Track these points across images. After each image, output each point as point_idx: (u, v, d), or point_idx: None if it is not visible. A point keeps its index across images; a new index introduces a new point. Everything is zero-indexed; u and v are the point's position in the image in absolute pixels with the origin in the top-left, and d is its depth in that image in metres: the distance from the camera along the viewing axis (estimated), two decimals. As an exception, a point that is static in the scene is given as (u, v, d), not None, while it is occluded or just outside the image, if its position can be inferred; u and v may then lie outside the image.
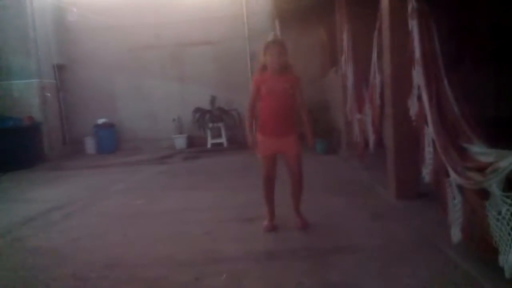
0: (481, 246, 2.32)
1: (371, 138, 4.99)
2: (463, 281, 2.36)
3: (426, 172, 3.08)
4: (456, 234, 2.55)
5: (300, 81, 3.40)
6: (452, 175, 2.57)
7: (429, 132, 2.99)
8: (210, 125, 9.75)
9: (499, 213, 2.06)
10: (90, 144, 10.05)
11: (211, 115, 9.80)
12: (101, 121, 9.95)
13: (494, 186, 2.08)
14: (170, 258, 2.99)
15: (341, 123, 7.10)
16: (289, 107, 3.35)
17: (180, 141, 10.06)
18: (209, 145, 9.83)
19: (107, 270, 2.83)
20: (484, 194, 2.23)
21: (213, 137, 9.88)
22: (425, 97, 3.05)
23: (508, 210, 1.99)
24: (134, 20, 9.97)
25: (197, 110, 9.85)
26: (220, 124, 9.78)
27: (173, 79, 10.32)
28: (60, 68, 9.92)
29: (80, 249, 3.30)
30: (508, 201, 1.98)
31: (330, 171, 5.86)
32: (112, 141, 10.09)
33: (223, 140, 9.84)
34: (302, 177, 3.42)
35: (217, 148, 9.58)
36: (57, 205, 4.79)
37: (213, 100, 9.88)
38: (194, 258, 2.96)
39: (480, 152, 2.48)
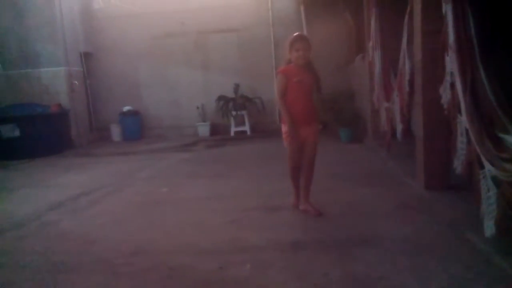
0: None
1: (399, 127, 4.85)
2: (496, 277, 2.27)
3: (458, 163, 2.96)
4: (489, 228, 2.45)
5: (319, 78, 3.54)
6: (487, 166, 2.46)
7: (463, 121, 2.87)
8: (234, 113, 9.74)
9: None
10: (116, 131, 10.20)
11: (235, 103, 9.77)
12: (126, 108, 10.08)
13: (534, 179, 1.98)
14: (194, 246, 3.00)
15: (367, 111, 6.96)
16: (313, 98, 3.52)
17: (203, 129, 10.10)
18: (232, 133, 9.83)
19: (132, 257, 2.86)
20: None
21: (236, 125, 9.87)
22: (458, 84, 2.92)
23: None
24: (159, 8, 10.00)
25: (221, 98, 9.84)
26: (244, 112, 9.76)
27: (197, 66, 10.32)
28: (86, 56, 10.06)
29: (106, 235, 3.35)
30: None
31: (356, 160, 5.76)
32: (137, 129, 10.22)
33: (246, 128, 9.82)
34: (314, 163, 3.57)
35: (241, 136, 9.57)
36: (85, 191, 4.88)
37: (236, 88, 9.85)
38: (219, 246, 2.96)
39: (518, 142, 2.36)
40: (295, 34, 3.49)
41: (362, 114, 7.54)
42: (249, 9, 9.92)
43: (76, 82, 9.45)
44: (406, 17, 4.24)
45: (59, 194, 4.79)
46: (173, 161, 6.79)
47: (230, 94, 9.84)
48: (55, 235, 3.44)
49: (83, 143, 9.45)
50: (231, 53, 10.17)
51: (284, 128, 3.49)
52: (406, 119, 4.75)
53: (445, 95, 3.17)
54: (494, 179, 2.41)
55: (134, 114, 10.13)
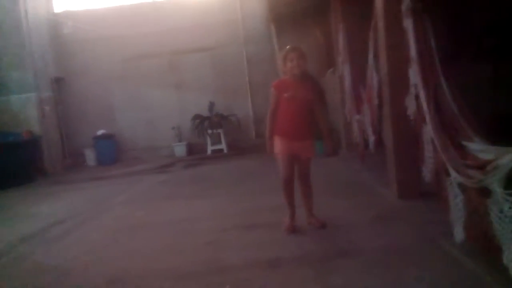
0: (485, 245, 2.29)
1: (371, 138, 4.97)
2: (468, 281, 2.34)
3: (427, 172, 3.06)
4: (458, 233, 2.53)
5: (322, 90, 3.50)
6: (453, 173, 2.55)
7: (428, 130, 2.97)
8: (210, 131, 9.74)
9: (501, 211, 2.04)
10: (90, 156, 10.04)
11: (210, 121, 9.78)
12: (100, 132, 9.95)
13: (495, 184, 2.05)
14: (173, 270, 2.96)
15: (340, 124, 7.08)
16: (308, 113, 3.43)
17: (180, 149, 10.05)
18: (209, 152, 9.81)
19: (110, 286, 2.80)
20: (485, 192, 2.21)
21: (212, 144, 9.86)
22: (422, 96, 3.04)
23: (510, 208, 1.97)
24: (130, 30, 9.99)
25: (196, 117, 9.85)
26: (220, 130, 9.77)
27: (171, 87, 10.31)
28: (58, 81, 9.94)
29: (82, 265, 3.27)
30: (510, 199, 1.96)
31: (331, 173, 5.83)
32: (112, 152, 10.08)
33: (223, 146, 9.82)
34: (309, 178, 3.55)
35: (217, 155, 9.56)
36: (58, 220, 4.76)
37: (211, 106, 9.87)
38: (197, 269, 2.93)
39: (480, 149, 2.45)
40: (287, 46, 3.44)
41: (336, 127, 7.66)
42: (221, 28, 10.03)
43: (47, 107, 9.29)
44: (371, 32, 4.39)
45: (31, 225, 4.66)
46: (150, 184, 6.71)
47: (205, 112, 9.86)
48: (27, 269, 3.33)
49: (56, 170, 9.25)
50: (205, 72, 10.22)
51: (277, 139, 3.44)
52: (377, 131, 4.86)
53: (410, 107, 3.28)
54: (461, 186, 2.49)
55: (108, 137, 10.00)
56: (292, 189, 3.46)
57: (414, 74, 3.18)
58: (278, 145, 3.43)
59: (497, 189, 2.04)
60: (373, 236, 3.18)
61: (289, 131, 3.39)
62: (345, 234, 3.31)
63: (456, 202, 2.55)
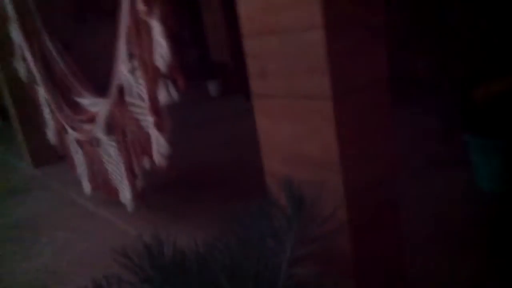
0: (108, 191, 2.48)
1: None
2: (106, 230, 2.48)
3: (49, 133, 2.99)
4: (86, 186, 2.64)
5: None
6: (69, 130, 2.60)
7: (41, 91, 2.87)
8: None
9: (110, 156, 2.23)
10: None
11: None
12: None
13: (100, 133, 2.22)
14: None
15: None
16: None
17: None
18: None
19: None
20: (96, 142, 2.36)
21: None
22: (28, 56, 2.87)
23: (114, 152, 2.17)
24: None
25: None
26: None
27: None
28: None
29: None
30: (113, 144, 2.16)
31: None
32: None
33: None
34: None
35: None
36: None
37: None
38: None
39: (90, 103, 2.57)
40: None
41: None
42: None
43: None
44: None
45: None
46: None
47: None
48: None
49: None
50: None
51: None
52: None
53: (20, 69, 3.05)
54: (78, 141, 2.57)
55: None
56: None
57: (16, 34, 2.95)
58: None
59: (102, 137, 2.21)
60: (7, 212, 2.92)
61: None
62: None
63: (78, 158, 2.63)
